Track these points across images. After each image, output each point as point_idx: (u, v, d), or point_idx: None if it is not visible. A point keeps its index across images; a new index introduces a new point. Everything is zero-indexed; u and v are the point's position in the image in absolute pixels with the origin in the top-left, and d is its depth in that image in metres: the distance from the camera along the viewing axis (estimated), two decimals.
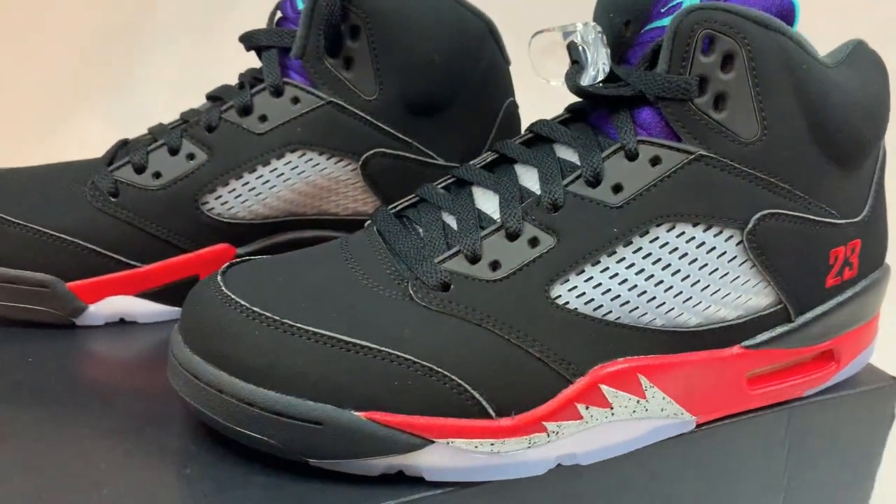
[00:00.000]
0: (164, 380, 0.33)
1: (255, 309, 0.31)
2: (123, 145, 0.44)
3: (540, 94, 0.43)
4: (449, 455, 0.30)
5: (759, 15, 0.31)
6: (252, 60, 0.44)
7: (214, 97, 0.44)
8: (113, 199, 0.40)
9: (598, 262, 0.32)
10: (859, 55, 0.36)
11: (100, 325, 0.41)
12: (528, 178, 0.34)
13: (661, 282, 0.32)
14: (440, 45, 0.41)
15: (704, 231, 0.32)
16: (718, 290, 0.33)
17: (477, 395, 0.30)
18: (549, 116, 0.37)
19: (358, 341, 0.30)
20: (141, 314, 0.42)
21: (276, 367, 0.30)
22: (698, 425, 0.34)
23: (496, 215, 0.33)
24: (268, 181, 0.41)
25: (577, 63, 0.34)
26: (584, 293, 0.32)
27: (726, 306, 0.33)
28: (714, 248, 0.33)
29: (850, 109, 0.34)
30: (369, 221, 0.37)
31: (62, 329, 0.41)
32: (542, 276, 0.31)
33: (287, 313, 0.30)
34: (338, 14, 0.39)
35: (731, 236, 0.33)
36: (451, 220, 0.34)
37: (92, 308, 0.41)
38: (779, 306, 0.34)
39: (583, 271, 0.32)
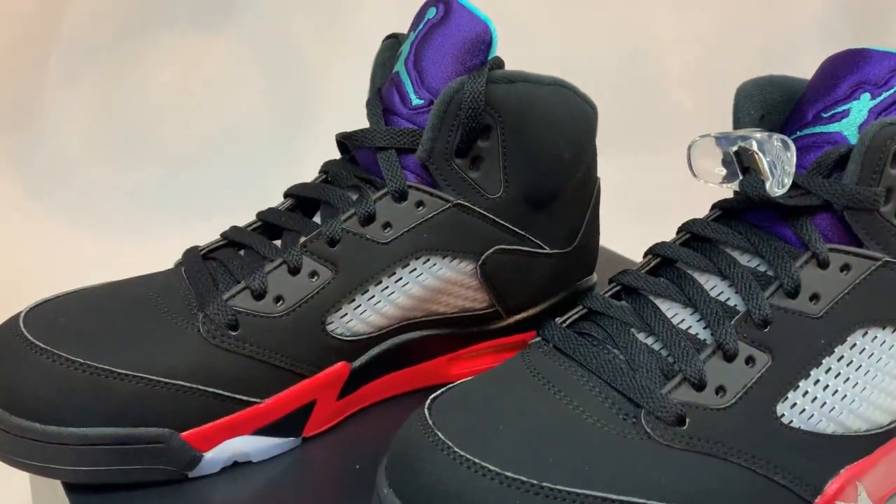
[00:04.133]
0: None
1: (509, 474, 0.28)
2: (194, 253, 0.38)
3: None
4: None
5: None
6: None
7: (304, 198, 0.39)
8: (233, 333, 0.35)
9: (809, 375, 0.32)
10: None
11: (215, 472, 0.36)
12: (709, 286, 0.34)
13: (864, 388, 0.33)
14: (566, 139, 0.39)
15: (892, 332, 0.34)
16: None
17: None
18: None
19: (625, 498, 0.28)
20: (255, 452, 0.37)
21: None
22: None
23: (693, 330, 0.33)
24: (392, 292, 0.38)
25: (748, 169, 0.35)
26: (803, 409, 0.32)
27: None
28: None
29: None
30: (540, 339, 0.35)
31: (175, 484, 0.35)
32: (767, 397, 0.31)
33: (540, 474, 0.28)
34: (479, 116, 0.36)
35: None
36: (646, 339, 0.33)
37: (208, 456, 0.35)
38: None
39: (798, 386, 0.32)
